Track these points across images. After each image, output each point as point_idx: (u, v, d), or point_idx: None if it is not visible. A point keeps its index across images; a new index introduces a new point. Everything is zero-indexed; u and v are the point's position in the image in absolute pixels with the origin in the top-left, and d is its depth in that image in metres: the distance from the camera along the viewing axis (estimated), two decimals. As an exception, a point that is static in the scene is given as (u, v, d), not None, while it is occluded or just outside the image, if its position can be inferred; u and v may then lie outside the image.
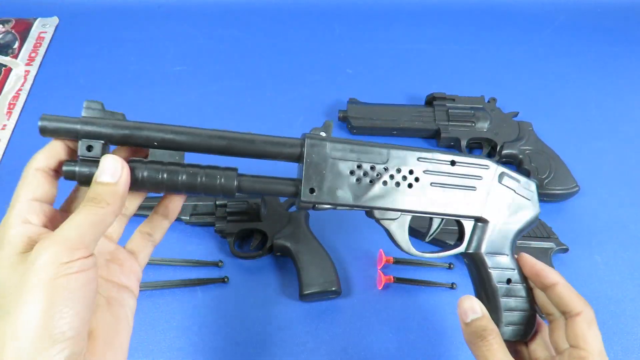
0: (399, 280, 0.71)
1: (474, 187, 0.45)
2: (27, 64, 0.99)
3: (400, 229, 0.44)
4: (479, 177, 0.45)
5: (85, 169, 0.35)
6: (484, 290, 0.46)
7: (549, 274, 0.44)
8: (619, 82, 1.04)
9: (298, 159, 0.41)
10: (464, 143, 0.85)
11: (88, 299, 0.31)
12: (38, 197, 0.34)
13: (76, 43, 1.04)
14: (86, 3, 1.12)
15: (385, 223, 0.44)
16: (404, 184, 0.43)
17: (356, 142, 0.42)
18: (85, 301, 0.30)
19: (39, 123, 0.35)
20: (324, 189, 0.41)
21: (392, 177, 0.42)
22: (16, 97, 0.93)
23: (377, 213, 0.43)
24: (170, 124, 0.38)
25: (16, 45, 1.03)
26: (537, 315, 0.46)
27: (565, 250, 0.74)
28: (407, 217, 0.44)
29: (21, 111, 0.91)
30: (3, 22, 1.07)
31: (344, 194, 0.41)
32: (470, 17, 1.17)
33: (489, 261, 0.45)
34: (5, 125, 0.88)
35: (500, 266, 0.45)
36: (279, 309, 0.69)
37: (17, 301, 0.29)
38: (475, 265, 0.47)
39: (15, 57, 1.01)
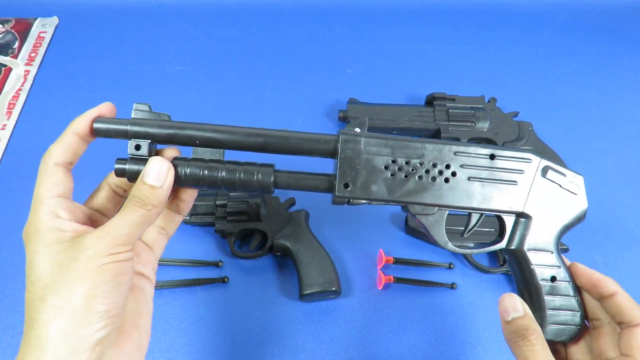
0: (399, 280, 0.71)
1: (515, 182, 0.43)
2: (27, 64, 0.99)
3: (437, 224, 0.43)
4: (520, 171, 0.43)
5: (134, 167, 0.38)
6: (527, 288, 0.44)
7: (608, 284, 0.42)
8: (619, 82, 1.04)
9: (332, 154, 0.41)
10: (464, 143, 0.85)
11: (126, 285, 0.35)
12: (62, 193, 0.36)
13: (76, 43, 1.04)
14: (86, 3, 1.12)
15: (422, 218, 0.43)
16: (440, 179, 0.42)
17: (391, 137, 0.42)
18: (124, 286, 0.35)
19: (94, 125, 0.37)
20: (358, 184, 0.41)
21: (427, 171, 0.42)
22: (16, 97, 0.93)
23: (412, 208, 0.43)
24: (211, 124, 0.40)
25: (16, 45, 1.03)
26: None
27: (566, 250, 0.74)
28: (444, 212, 0.43)
29: (21, 111, 0.91)
30: (3, 22, 1.07)
31: (379, 189, 0.41)
32: (470, 17, 1.17)
33: (531, 258, 0.44)
34: (5, 125, 0.88)
35: (544, 263, 0.44)
36: (279, 309, 0.69)
37: (68, 281, 0.32)
38: (517, 262, 0.45)
39: (15, 57, 1.01)
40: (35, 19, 1.08)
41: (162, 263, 0.71)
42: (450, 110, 0.86)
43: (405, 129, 0.87)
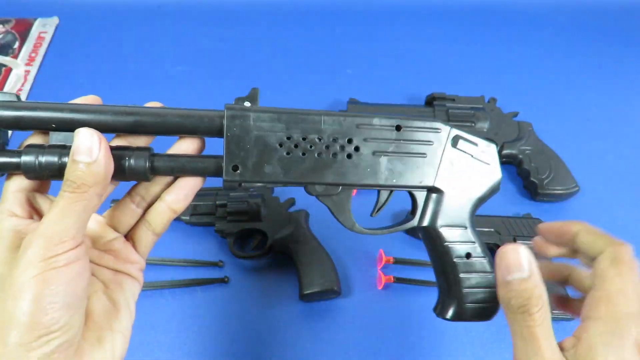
0: (399, 280, 0.71)
1: (424, 154, 0.40)
2: (27, 64, 0.99)
3: (342, 206, 0.40)
4: (429, 143, 0.40)
5: None
6: (442, 266, 0.42)
7: (571, 225, 0.38)
8: (619, 82, 1.04)
9: (219, 133, 0.36)
10: (464, 143, 0.85)
11: (78, 290, 0.30)
12: (24, 187, 0.34)
13: (76, 43, 1.04)
14: (86, 3, 1.12)
15: (326, 200, 0.39)
16: (342, 155, 0.38)
17: (285, 110, 0.37)
18: (75, 292, 0.30)
19: None
20: (249, 166, 0.36)
21: (327, 147, 0.38)
22: (16, 97, 0.93)
23: (313, 189, 0.39)
24: (71, 103, 0.35)
25: (16, 45, 1.03)
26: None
27: (565, 250, 0.74)
28: (350, 192, 0.40)
29: (21, 111, 0.91)
30: (3, 22, 1.07)
31: (273, 170, 0.37)
32: (470, 17, 1.17)
33: (445, 235, 0.41)
34: (5, 125, 0.88)
35: (459, 240, 0.41)
36: (279, 309, 0.69)
37: (6, 296, 0.29)
38: (431, 240, 0.43)
39: (15, 57, 1.01)
40: (36, 19, 1.08)
41: (163, 263, 0.71)
42: (450, 110, 0.86)
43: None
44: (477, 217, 0.73)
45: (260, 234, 0.73)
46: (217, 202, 0.72)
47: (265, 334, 0.67)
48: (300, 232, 0.71)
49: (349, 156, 0.38)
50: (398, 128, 0.39)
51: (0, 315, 0.29)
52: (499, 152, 0.84)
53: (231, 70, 1.01)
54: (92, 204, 0.31)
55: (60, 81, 0.96)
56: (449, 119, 0.86)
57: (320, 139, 0.38)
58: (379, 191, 0.42)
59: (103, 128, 0.34)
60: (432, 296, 0.72)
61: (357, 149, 0.39)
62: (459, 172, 0.41)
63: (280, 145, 0.37)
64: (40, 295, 0.28)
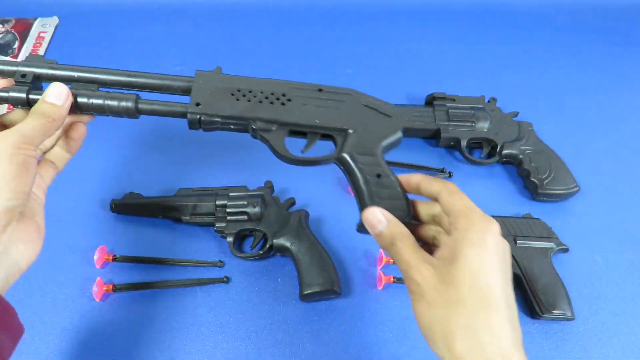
0: (399, 280, 0.71)
1: (338, 108, 0.53)
2: (27, 64, 0.99)
3: (277, 140, 0.51)
4: (342, 101, 0.54)
5: (15, 94, 0.47)
6: (359, 185, 0.51)
7: (411, 177, 0.51)
8: (619, 82, 1.04)
9: (187, 92, 0.51)
10: (464, 143, 0.85)
11: (33, 172, 0.43)
12: None
13: (76, 43, 1.04)
14: (86, 3, 1.12)
15: (265, 135, 0.51)
16: (278, 103, 0.52)
17: (237, 77, 0.52)
18: (31, 173, 0.42)
19: None
20: (208, 103, 0.50)
21: (267, 97, 0.52)
22: (16, 97, 0.93)
23: (255, 124, 0.50)
24: (91, 67, 0.50)
25: (16, 45, 1.03)
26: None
27: (565, 250, 0.74)
28: (284, 131, 0.52)
29: (21, 111, 0.91)
30: (3, 22, 1.07)
31: (225, 107, 0.50)
32: (470, 17, 1.17)
33: (357, 160, 0.51)
34: (5, 125, 0.88)
35: (369, 164, 0.51)
36: (279, 309, 0.69)
37: None
38: (347, 167, 0.52)
39: (15, 57, 1.01)
40: (35, 19, 1.08)
41: (163, 263, 0.71)
42: (450, 110, 0.86)
43: (405, 129, 0.87)
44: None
45: (260, 234, 0.73)
46: (217, 202, 0.72)
47: (265, 334, 0.67)
48: (300, 232, 0.71)
49: (283, 104, 0.52)
50: (320, 90, 0.55)
51: None
52: (499, 152, 0.84)
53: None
54: (51, 131, 0.45)
55: (60, 81, 0.96)
56: (449, 119, 0.86)
57: (262, 92, 0.52)
58: (307, 134, 0.54)
59: (108, 83, 0.50)
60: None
61: (289, 100, 0.52)
62: (366, 119, 0.53)
63: (232, 94, 0.51)
64: (15, 163, 0.41)
